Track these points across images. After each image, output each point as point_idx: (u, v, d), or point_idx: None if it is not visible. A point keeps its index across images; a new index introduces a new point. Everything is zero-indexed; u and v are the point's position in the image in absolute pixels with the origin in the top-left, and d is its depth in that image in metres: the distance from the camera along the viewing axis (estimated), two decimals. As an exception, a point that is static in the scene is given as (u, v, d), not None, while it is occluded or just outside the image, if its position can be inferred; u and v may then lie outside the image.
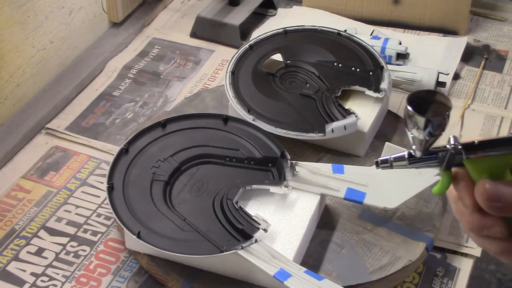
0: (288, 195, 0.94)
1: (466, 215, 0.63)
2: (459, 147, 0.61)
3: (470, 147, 0.61)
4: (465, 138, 0.62)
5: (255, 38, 1.17)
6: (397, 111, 1.17)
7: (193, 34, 1.37)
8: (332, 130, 1.02)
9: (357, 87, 1.09)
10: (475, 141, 0.61)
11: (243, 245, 0.85)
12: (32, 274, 0.93)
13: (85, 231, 0.98)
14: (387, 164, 0.65)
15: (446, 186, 0.64)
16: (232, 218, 0.88)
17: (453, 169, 0.63)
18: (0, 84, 1.13)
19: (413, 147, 0.63)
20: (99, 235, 0.98)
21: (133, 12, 1.40)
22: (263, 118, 1.03)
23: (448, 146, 0.62)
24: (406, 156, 0.64)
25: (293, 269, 0.85)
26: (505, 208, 0.60)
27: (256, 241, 0.86)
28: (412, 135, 0.61)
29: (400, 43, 1.27)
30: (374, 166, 0.96)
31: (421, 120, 0.60)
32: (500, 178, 0.61)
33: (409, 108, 0.60)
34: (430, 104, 0.60)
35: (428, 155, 0.63)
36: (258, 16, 1.41)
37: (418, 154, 0.63)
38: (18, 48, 1.15)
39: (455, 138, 0.62)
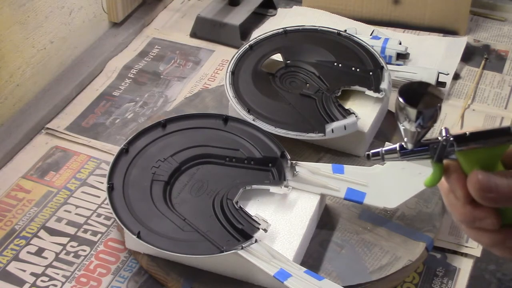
0: (288, 195, 0.94)
1: (457, 207, 0.63)
2: (451, 139, 0.61)
3: (462, 139, 0.61)
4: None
5: (255, 38, 1.17)
6: (397, 111, 1.17)
7: (193, 34, 1.37)
8: (332, 130, 1.02)
9: (357, 87, 1.09)
10: (467, 132, 0.61)
11: (243, 245, 0.85)
12: (32, 274, 0.93)
13: (85, 231, 0.98)
14: (378, 156, 0.65)
15: (438, 178, 0.64)
16: (232, 218, 0.89)
17: (445, 161, 0.63)
18: (0, 84, 1.13)
19: (405, 139, 0.62)
20: (99, 235, 0.98)
21: (133, 12, 1.40)
22: (263, 118, 1.03)
23: (439, 138, 0.62)
24: (398, 148, 0.64)
25: (293, 269, 0.85)
26: (497, 199, 0.60)
27: (256, 241, 0.86)
28: (403, 127, 0.61)
29: (400, 43, 1.27)
30: (374, 166, 0.97)
31: (412, 112, 0.59)
32: (491, 170, 0.61)
33: (400, 99, 0.60)
34: (421, 95, 0.60)
35: (419, 147, 0.63)
36: (258, 16, 1.41)
37: (409, 146, 0.63)
38: (18, 48, 1.15)
39: (446, 130, 0.61)
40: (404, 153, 0.64)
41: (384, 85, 1.08)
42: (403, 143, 0.63)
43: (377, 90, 1.07)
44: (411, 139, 0.62)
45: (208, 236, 0.87)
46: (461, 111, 1.19)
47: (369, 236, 0.95)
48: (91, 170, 1.08)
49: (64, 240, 0.97)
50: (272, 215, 0.92)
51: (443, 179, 0.64)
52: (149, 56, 1.32)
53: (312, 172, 0.96)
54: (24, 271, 0.93)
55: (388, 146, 0.64)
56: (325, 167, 0.97)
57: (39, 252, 0.95)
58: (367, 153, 0.65)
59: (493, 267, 0.95)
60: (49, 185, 1.05)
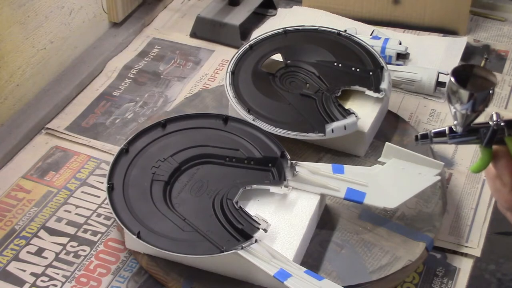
0: (288, 195, 0.94)
1: (504, 194, 0.62)
2: (502, 123, 0.60)
3: None
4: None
5: (255, 38, 1.17)
6: (397, 111, 1.17)
7: (193, 34, 1.37)
8: (332, 130, 1.02)
9: (357, 87, 1.09)
10: None
11: (243, 245, 0.85)
12: (32, 274, 0.93)
13: (85, 231, 0.98)
14: (426, 139, 0.64)
15: (486, 164, 0.62)
16: (232, 218, 0.89)
17: (494, 147, 0.62)
18: (0, 84, 1.13)
19: (454, 122, 0.61)
20: (99, 235, 0.98)
21: (133, 12, 1.40)
22: (263, 118, 1.03)
23: (490, 123, 0.60)
24: (447, 131, 0.63)
25: (293, 269, 0.85)
26: None
27: (256, 241, 0.86)
28: (454, 110, 0.60)
29: (400, 43, 1.27)
30: (374, 166, 0.97)
31: (464, 94, 0.58)
32: None
33: (453, 81, 0.59)
34: (474, 78, 0.59)
35: (469, 131, 0.62)
36: (258, 16, 1.41)
37: (459, 129, 0.62)
38: (18, 48, 1.15)
39: (497, 114, 0.60)
40: (453, 136, 0.63)
41: (384, 85, 1.08)
42: (452, 126, 0.62)
43: (377, 90, 1.07)
44: (461, 122, 0.61)
45: (208, 236, 0.87)
46: (461, 111, 1.19)
47: (369, 236, 0.95)
48: (91, 170, 1.08)
49: (64, 240, 0.97)
50: (272, 215, 0.92)
51: (490, 165, 0.63)
52: (149, 56, 1.32)
53: (312, 172, 0.96)
54: (24, 271, 0.93)
55: (438, 128, 0.63)
56: (325, 167, 0.97)
57: (39, 252, 0.95)
58: (415, 134, 0.64)
59: (493, 267, 0.95)
60: (49, 185, 1.05)
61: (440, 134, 0.63)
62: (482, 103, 0.59)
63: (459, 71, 0.59)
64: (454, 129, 0.62)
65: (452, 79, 0.58)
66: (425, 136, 0.64)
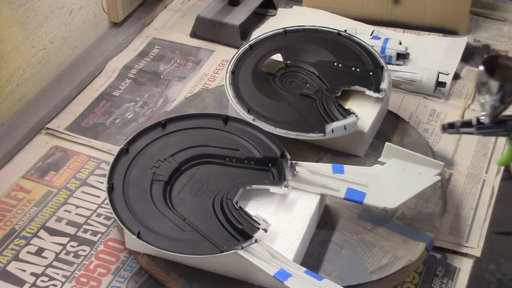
0: (288, 195, 0.94)
1: None
2: None
3: None
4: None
5: (255, 38, 1.16)
6: (397, 111, 1.17)
7: (193, 34, 1.37)
8: (332, 130, 1.02)
9: (357, 87, 1.09)
10: None
11: (243, 245, 0.85)
12: (32, 274, 0.93)
13: (85, 231, 0.98)
14: (453, 129, 0.64)
15: None
16: (232, 218, 0.88)
17: None
18: (0, 84, 1.13)
19: (482, 113, 0.61)
20: (99, 235, 0.98)
21: (133, 12, 1.40)
22: (263, 118, 1.03)
23: None
24: (474, 122, 0.62)
25: (293, 269, 0.85)
26: None
27: (256, 241, 0.86)
28: (483, 100, 0.60)
29: (400, 43, 1.27)
30: (374, 166, 0.97)
31: (494, 85, 0.58)
32: None
33: (484, 71, 0.58)
34: (504, 70, 0.59)
35: (497, 123, 0.61)
36: (258, 16, 1.41)
37: (487, 121, 0.62)
38: (18, 48, 1.15)
39: None
40: (480, 127, 0.62)
41: (384, 85, 1.08)
42: (480, 117, 0.62)
43: (377, 90, 1.07)
44: (489, 114, 0.61)
45: (208, 236, 0.87)
46: (461, 111, 1.19)
47: (369, 236, 0.95)
48: (91, 170, 1.08)
49: (64, 240, 0.97)
50: (272, 215, 0.92)
51: None
52: (149, 56, 1.32)
53: (312, 172, 0.95)
54: (24, 271, 0.93)
55: (464, 119, 0.63)
56: (325, 167, 0.96)
57: (39, 252, 0.95)
58: (442, 123, 0.63)
59: (493, 267, 0.95)
60: (49, 185, 1.05)
61: (467, 124, 0.63)
62: None
63: (490, 62, 0.59)
64: (481, 120, 0.62)
65: (483, 69, 0.58)
66: (451, 126, 0.64)
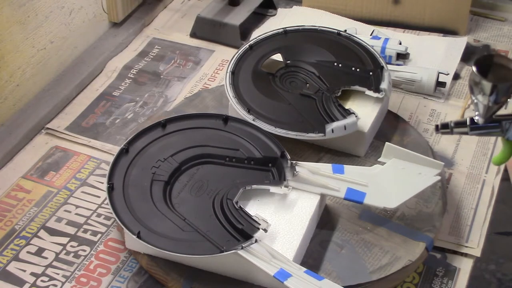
0: (288, 195, 0.94)
1: None
2: None
3: None
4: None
5: (255, 38, 1.16)
6: (397, 111, 1.17)
7: (193, 34, 1.37)
8: (332, 130, 1.02)
9: (357, 87, 1.09)
10: None
11: (243, 245, 0.85)
12: (32, 274, 0.93)
13: (85, 231, 0.98)
14: (447, 129, 0.63)
15: (508, 156, 0.62)
16: (232, 218, 0.88)
17: None
18: (0, 84, 1.13)
19: (476, 113, 0.61)
20: (99, 235, 0.98)
21: (133, 12, 1.40)
22: (263, 118, 1.03)
23: None
24: (468, 122, 0.62)
25: (293, 269, 0.85)
26: None
27: (256, 241, 0.86)
28: (476, 101, 0.60)
29: (400, 43, 1.27)
30: (374, 166, 0.97)
31: (487, 85, 0.58)
32: None
33: (476, 72, 0.58)
34: (497, 69, 0.59)
35: (491, 123, 0.61)
36: (258, 16, 1.41)
37: (481, 121, 0.61)
38: (18, 48, 1.15)
39: None
40: (474, 128, 0.62)
41: (384, 85, 1.08)
42: (473, 117, 0.62)
43: (377, 90, 1.07)
44: (483, 114, 0.60)
45: (208, 236, 0.87)
46: (461, 111, 1.19)
47: (369, 236, 0.95)
48: (91, 170, 1.08)
49: (64, 240, 0.97)
50: (272, 215, 0.92)
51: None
52: (149, 56, 1.32)
53: (312, 172, 0.95)
54: (24, 271, 0.93)
55: (459, 119, 0.63)
56: (325, 167, 0.96)
57: (39, 252, 0.95)
58: (436, 124, 0.63)
59: (493, 267, 0.95)
60: (49, 185, 1.05)
61: (461, 124, 0.63)
62: (505, 94, 0.58)
63: (481, 62, 0.58)
64: (475, 120, 0.61)
65: (475, 69, 0.57)
66: (445, 126, 0.63)
